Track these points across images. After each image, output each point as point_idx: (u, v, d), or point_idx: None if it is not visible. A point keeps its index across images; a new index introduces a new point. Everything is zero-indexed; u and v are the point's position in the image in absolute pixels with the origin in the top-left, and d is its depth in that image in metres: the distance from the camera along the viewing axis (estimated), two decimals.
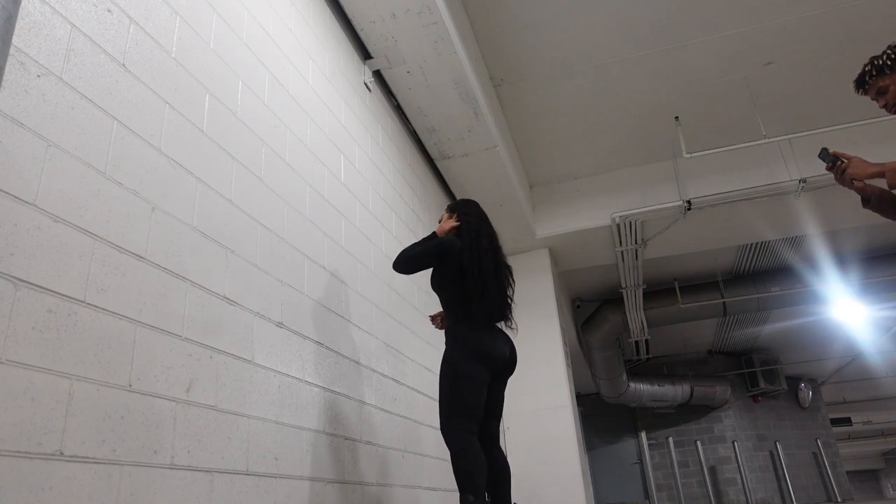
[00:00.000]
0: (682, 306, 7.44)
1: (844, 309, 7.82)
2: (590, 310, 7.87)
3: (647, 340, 8.33)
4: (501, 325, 2.68)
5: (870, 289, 7.21)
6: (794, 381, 11.14)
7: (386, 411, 2.98)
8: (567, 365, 5.69)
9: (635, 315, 7.31)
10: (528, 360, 5.57)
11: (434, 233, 2.78)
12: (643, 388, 9.37)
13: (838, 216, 5.83)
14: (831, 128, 4.85)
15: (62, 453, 1.29)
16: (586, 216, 5.73)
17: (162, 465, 1.54)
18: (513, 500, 2.56)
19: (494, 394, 2.62)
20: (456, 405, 2.44)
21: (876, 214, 2.23)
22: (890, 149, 5.12)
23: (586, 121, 5.13)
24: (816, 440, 11.03)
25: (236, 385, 1.89)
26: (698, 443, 9.93)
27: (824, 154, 2.14)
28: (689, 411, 10.41)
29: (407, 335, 3.47)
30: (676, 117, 5.06)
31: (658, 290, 7.55)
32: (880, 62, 2.07)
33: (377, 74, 3.72)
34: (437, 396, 3.72)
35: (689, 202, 5.33)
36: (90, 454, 1.35)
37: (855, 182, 2.05)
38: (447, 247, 2.61)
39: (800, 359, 10.58)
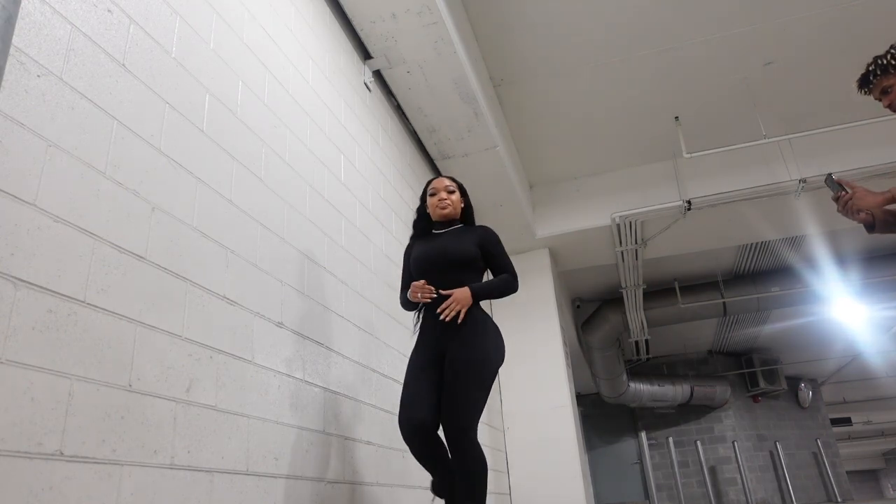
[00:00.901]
0: (682, 306, 7.44)
1: (844, 309, 7.82)
2: (590, 310, 7.87)
3: (647, 340, 8.33)
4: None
5: (870, 289, 7.21)
6: (794, 381, 11.14)
7: (386, 411, 2.98)
8: (567, 365, 5.69)
9: (635, 315, 7.31)
10: (528, 360, 5.58)
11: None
12: (643, 388, 9.37)
13: (838, 216, 5.80)
14: (831, 128, 4.85)
15: (62, 453, 1.29)
16: (586, 216, 5.73)
17: (162, 465, 1.54)
18: None
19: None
20: (482, 407, 2.33)
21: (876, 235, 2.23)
22: (890, 149, 5.12)
23: (586, 121, 5.13)
24: (816, 440, 11.03)
25: (236, 385, 1.89)
26: (698, 443, 9.93)
27: (830, 181, 2.15)
28: (689, 411, 10.41)
29: (407, 335, 3.46)
30: (676, 117, 5.06)
31: (658, 290, 7.55)
32: (884, 62, 2.07)
33: (377, 74, 3.72)
34: None
35: (689, 202, 5.33)
36: (90, 454, 1.35)
37: (861, 213, 2.05)
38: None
39: (800, 359, 10.58)
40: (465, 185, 2.63)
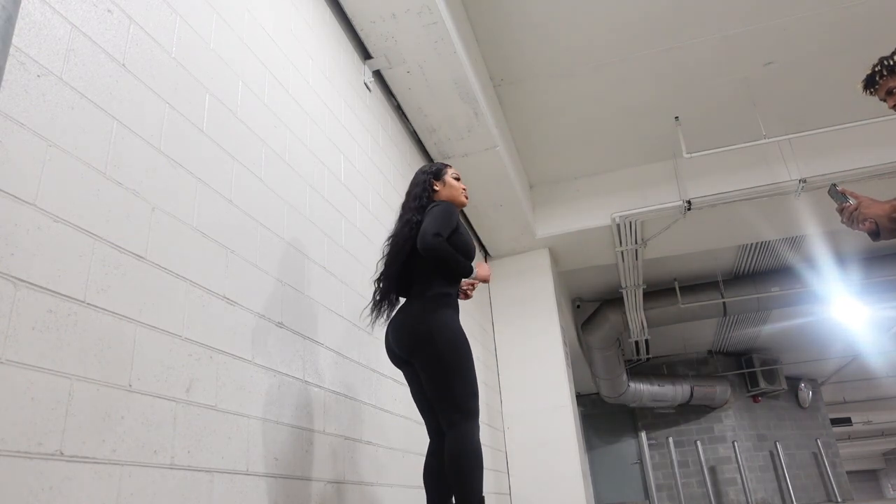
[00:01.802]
0: (682, 306, 7.44)
1: (844, 309, 7.82)
2: (590, 310, 7.87)
3: (647, 340, 8.34)
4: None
5: (870, 289, 7.21)
6: (794, 381, 11.14)
7: (386, 411, 2.98)
8: (567, 365, 5.69)
9: (635, 315, 7.31)
10: (528, 360, 5.58)
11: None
12: (643, 388, 9.37)
13: (839, 216, 5.83)
14: (831, 128, 4.85)
15: (62, 453, 1.29)
16: (586, 216, 5.73)
17: (162, 465, 1.54)
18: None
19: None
20: (465, 387, 2.11)
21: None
22: (890, 149, 5.13)
23: (586, 121, 5.13)
24: (816, 440, 11.03)
25: (236, 385, 1.89)
26: (698, 443, 9.93)
27: (833, 191, 2.15)
28: (689, 411, 10.41)
29: None
30: (676, 117, 5.06)
31: (658, 290, 7.55)
32: (891, 62, 2.07)
33: (377, 74, 3.72)
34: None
35: (689, 202, 5.33)
36: (90, 454, 1.35)
37: (867, 223, 2.04)
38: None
39: (800, 359, 10.59)
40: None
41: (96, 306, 1.44)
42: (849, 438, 16.90)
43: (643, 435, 10.44)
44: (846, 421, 14.45)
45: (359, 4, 3.29)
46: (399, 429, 3.10)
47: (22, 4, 1.38)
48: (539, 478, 5.14)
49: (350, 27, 3.44)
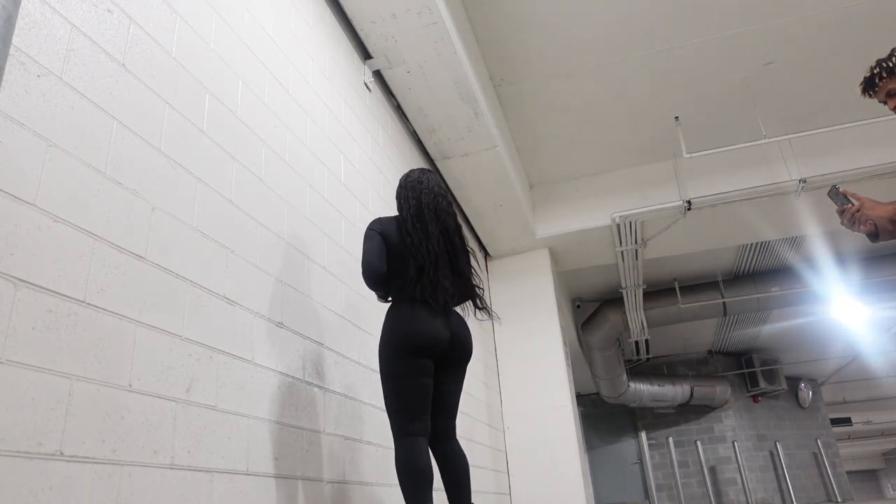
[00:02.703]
0: (682, 306, 7.44)
1: (844, 309, 7.83)
2: (590, 310, 7.87)
3: (647, 340, 8.33)
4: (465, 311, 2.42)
5: (870, 289, 7.21)
6: (794, 381, 11.14)
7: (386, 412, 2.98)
8: (567, 365, 5.69)
9: (635, 315, 7.31)
10: (528, 360, 5.58)
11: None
12: (643, 388, 9.37)
13: (838, 217, 5.83)
14: (831, 128, 4.86)
15: (62, 453, 1.29)
16: (586, 216, 5.73)
17: (162, 465, 1.54)
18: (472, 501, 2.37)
19: (440, 386, 2.27)
20: (394, 402, 2.20)
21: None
22: (890, 149, 5.13)
23: (586, 121, 5.13)
24: (816, 440, 11.03)
25: (236, 385, 1.89)
26: (698, 443, 9.93)
27: (833, 193, 2.14)
28: (689, 411, 10.41)
29: None
30: (676, 117, 5.06)
31: (658, 290, 7.55)
32: (890, 64, 2.06)
33: (377, 74, 3.72)
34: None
35: (689, 202, 5.33)
36: (90, 454, 1.35)
37: (867, 224, 2.04)
38: (368, 237, 2.32)
39: (800, 359, 10.59)
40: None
41: (96, 306, 1.44)
42: (849, 438, 16.90)
43: (643, 435, 10.44)
44: (846, 421, 14.45)
45: (359, 4, 3.29)
46: None
47: (22, 4, 1.38)
48: (539, 478, 5.14)
49: (350, 27, 3.44)
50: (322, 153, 2.81)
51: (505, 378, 5.57)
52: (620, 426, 10.91)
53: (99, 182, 1.52)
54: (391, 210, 3.57)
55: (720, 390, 9.92)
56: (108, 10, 1.67)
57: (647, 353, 9.22)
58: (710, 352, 10.68)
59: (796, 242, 6.68)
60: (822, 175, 5.15)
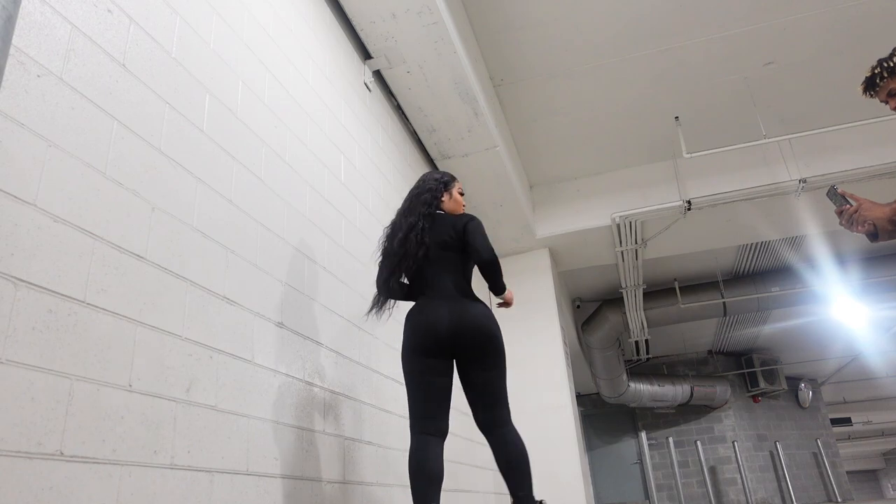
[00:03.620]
0: (682, 306, 7.44)
1: (844, 309, 7.83)
2: (590, 310, 7.87)
3: (647, 340, 8.34)
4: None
5: (870, 289, 7.21)
6: (794, 381, 11.14)
7: (386, 411, 2.98)
8: (567, 365, 5.69)
9: (635, 315, 7.32)
10: (528, 360, 5.58)
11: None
12: (643, 388, 9.37)
13: (837, 217, 5.83)
14: (831, 128, 4.85)
15: (62, 453, 1.29)
16: (586, 216, 5.73)
17: (162, 465, 1.54)
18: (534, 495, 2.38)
19: (464, 379, 2.31)
20: (408, 400, 2.29)
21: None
22: (890, 149, 5.13)
23: (586, 121, 5.13)
24: (816, 440, 11.03)
25: (236, 385, 1.89)
26: (698, 443, 9.93)
27: (832, 193, 2.14)
28: (689, 411, 10.41)
29: None
30: (676, 117, 5.06)
31: (658, 290, 7.55)
32: (891, 64, 2.05)
33: (377, 74, 3.72)
34: None
35: (689, 202, 5.33)
36: (90, 454, 1.35)
37: (866, 225, 2.04)
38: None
39: (800, 359, 10.59)
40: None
41: (96, 306, 1.44)
42: (849, 438, 16.91)
43: (643, 435, 10.44)
44: (846, 421, 14.45)
45: (359, 4, 3.29)
46: (399, 429, 3.10)
47: (22, 4, 1.38)
48: (539, 478, 5.13)
49: (350, 27, 3.44)
50: (322, 153, 2.81)
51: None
52: (620, 426, 10.92)
53: (99, 182, 1.52)
54: (391, 210, 3.58)
55: (720, 390, 9.92)
56: (108, 10, 1.67)
57: (647, 353, 9.22)
58: (710, 352, 10.68)
59: (796, 242, 6.68)
60: (822, 175, 5.15)
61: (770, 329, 9.32)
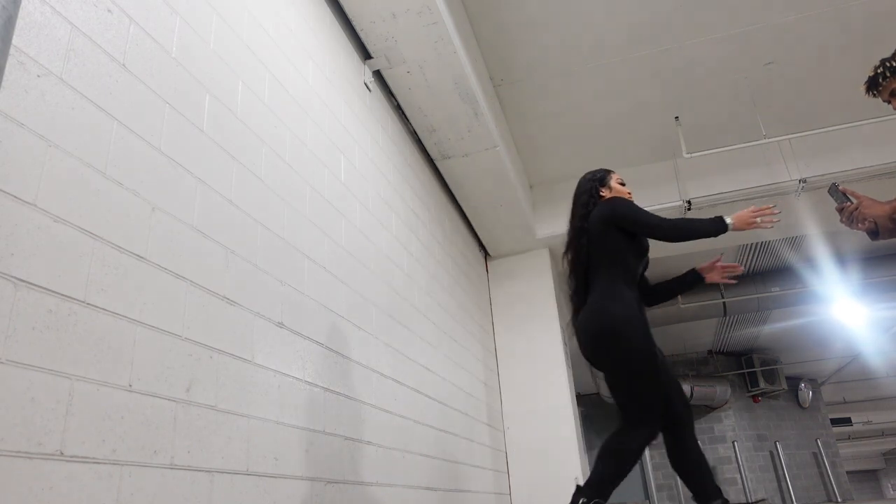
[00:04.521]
0: (682, 306, 7.44)
1: (844, 309, 7.83)
2: None
3: None
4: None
5: (870, 289, 7.21)
6: (794, 381, 11.14)
7: (386, 411, 2.98)
8: (567, 365, 5.69)
9: None
10: (528, 360, 5.58)
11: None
12: None
13: (838, 216, 5.83)
14: (831, 128, 4.86)
15: (62, 453, 1.29)
16: None
17: (162, 465, 1.54)
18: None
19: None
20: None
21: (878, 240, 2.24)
22: (890, 149, 5.12)
23: (586, 121, 5.13)
24: (816, 440, 11.03)
25: (236, 385, 1.89)
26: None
27: (833, 190, 2.15)
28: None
29: (407, 335, 3.47)
30: (676, 117, 5.06)
31: None
32: (894, 64, 2.06)
33: (377, 74, 3.72)
34: (438, 397, 3.73)
35: (689, 202, 5.33)
36: (90, 454, 1.35)
37: (866, 222, 2.05)
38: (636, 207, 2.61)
39: (800, 359, 10.59)
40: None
41: (96, 306, 1.44)
42: (849, 438, 16.90)
43: None
44: (846, 421, 14.46)
45: (359, 4, 3.29)
46: (399, 429, 3.10)
47: (22, 4, 1.38)
48: (539, 478, 5.14)
49: (350, 27, 3.44)
50: (322, 153, 2.81)
51: (505, 378, 5.57)
52: None
53: (99, 182, 1.52)
54: (391, 210, 3.58)
55: (720, 390, 9.92)
56: (108, 10, 1.67)
57: None
58: (710, 352, 10.67)
59: (796, 242, 6.68)
60: (822, 175, 5.15)
61: (770, 329, 9.32)
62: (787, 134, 5.02)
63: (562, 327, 5.77)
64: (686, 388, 9.74)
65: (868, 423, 15.35)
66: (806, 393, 11.28)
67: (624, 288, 2.40)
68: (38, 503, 1.22)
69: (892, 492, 23.68)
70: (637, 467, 10.58)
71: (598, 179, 2.62)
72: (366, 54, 3.60)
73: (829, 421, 11.98)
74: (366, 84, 3.55)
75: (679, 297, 7.43)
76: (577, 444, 5.23)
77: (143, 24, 1.79)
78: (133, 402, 1.49)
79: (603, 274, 2.40)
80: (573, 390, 5.79)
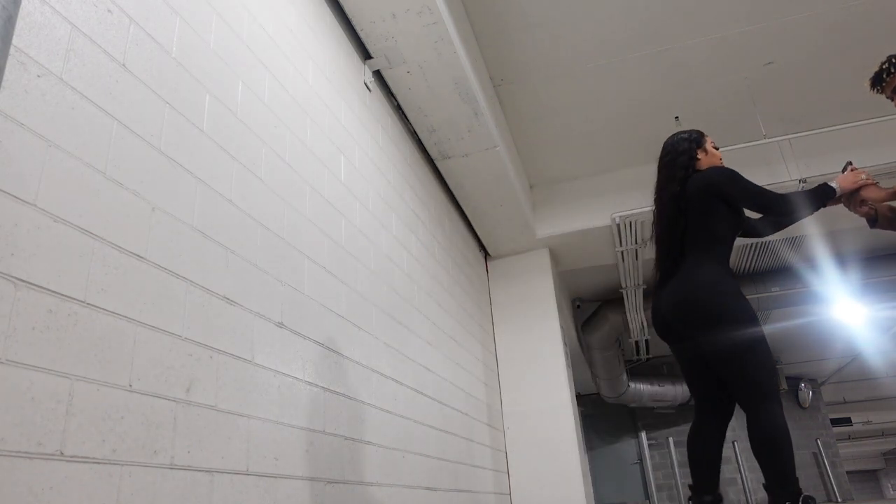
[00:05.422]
0: None
1: (844, 309, 7.82)
2: (590, 310, 7.87)
3: (647, 340, 8.33)
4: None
5: (870, 289, 7.21)
6: (794, 381, 11.14)
7: (386, 411, 2.98)
8: (567, 365, 5.69)
9: (635, 315, 7.31)
10: (528, 360, 5.58)
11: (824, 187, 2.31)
12: (643, 388, 9.37)
13: (838, 216, 5.83)
14: (831, 128, 4.86)
15: (62, 453, 1.29)
16: (586, 216, 5.73)
17: (162, 465, 1.54)
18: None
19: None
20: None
21: (878, 230, 2.24)
22: (891, 149, 5.13)
23: (586, 121, 5.13)
24: (816, 440, 11.02)
25: (236, 385, 1.89)
26: None
27: (845, 171, 2.18)
28: (690, 411, 10.39)
29: (407, 335, 3.47)
30: (676, 117, 5.06)
31: None
32: None
33: (377, 74, 3.72)
34: (438, 397, 3.73)
35: None
36: (90, 454, 1.35)
37: (864, 207, 2.06)
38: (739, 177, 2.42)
39: (800, 359, 10.58)
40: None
41: (96, 306, 1.44)
42: (849, 438, 16.91)
43: (643, 435, 10.44)
44: (846, 421, 14.46)
45: (359, 4, 3.29)
46: (399, 429, 3.10)
47: (22, 4, 1.38)
48: (539, 478, 5.14)
49: (350, 27, 3.44)
50: (322, 153, 2.81)
51: (505, 378, 5.57)
52: (620, 426, 10.91)
53: (99, 182, 1.52)
54: (391, 210, 3.58)
55: None
56: (109, 10, 1.67)
57: (647, 353, 9.22)
58: None
59: (796, 242, 6.68)
60: (822, 175, 5.15)
61: (770, 329, 9.30)
62: (787, 134, 5.02)
63: (562, 327, 5.77)
64: (686, 388, 9.75)
65: (868, 423, 15.35)
66: (806, 393, 11.28)
67: (726, 262, 2.33)
68: (38, 503, 1.22)
69: (892, 492, 23.68)
70: (637, 467, 10.58)
71: (694, 140, 2.50)
72: (366, 54, 3.60)
73: (829, 421, 11.97)
74: (366, 84, 3.55)
75: None
76: (577, 444, 5.23)
77: (143, 24, 1.79)
78: (133, 402, 1.49)
79: (702, 245, 2.29)
80: (573, 390, 5.79)
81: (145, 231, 1.65)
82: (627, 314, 7.32)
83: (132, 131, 1.67)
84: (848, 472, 12.73)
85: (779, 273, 7.34)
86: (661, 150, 2.59)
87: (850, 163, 2.22)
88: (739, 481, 9.69)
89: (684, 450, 10.14)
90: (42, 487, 1.23)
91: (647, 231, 5.82)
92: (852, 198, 2.12)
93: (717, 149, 2.57)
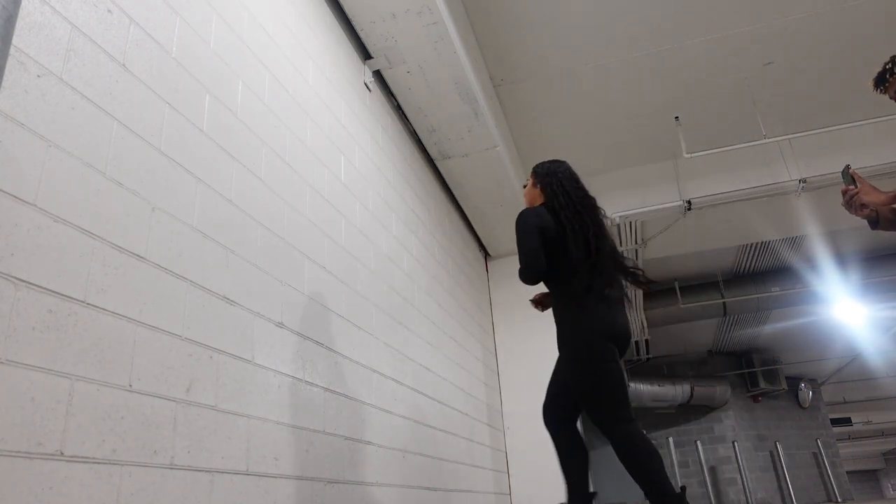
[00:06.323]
0: (682, 306, 7.44)
1: (844, 309, 7.83)
2: None
3: (647, 340, 8.33)
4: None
5: (870, 289, 7.21)
6: (794, 381, 11.14)
7: (386, 411, 2.98)
8: None
9: (635, 315, 7.31)
10: (528, 360, 5.58)
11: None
12: (643, 388, 9.37)
13: (838, 216, 5.83)
14: (831, 128, 4.86)
15: (62, 453, 1.29)
16: None
17: (162, 465, 1.54)
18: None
19: None
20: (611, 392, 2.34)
21: (879, 231, 2.24)
22: (891, 149, 5.13)
23: (586, 121, 5.13)
24: (816, 440, 11.03)
25: (236, 385, 1.89)
26: (698, 443, 9.93)
27: (845, 173, 2.18)
28: (689, 411, 10.41)
29: (407, 335, 3.47)
30: (676, 117, 5.06)
31: (658, 290, 7.55)
32: None
33: (377, 74, 3.72)
34: (438, 397, 3.73)
35: (689, 202, 5.34)
36: (90, 454, 1.35)
37: (865, 209, 2.06)
38: (526, 231, 2.46)
39: (800, 359, 10.59)
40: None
41: (96, 306, 1.44)
42: (849, 438, 16.91)
43: None
44: (846, 421, 14.46)
45: (359, 4, 3.29)
46: (399, 429, 3.10)
47: (22, 4, 1.38)
48: (539, 478, 5.14)
49: (350, 27, 3.44)
50: (322, 153, 2.81)
51: (505, 378, 5.57)
52: None
53: (99, 182, 1.52)
54: (391, 210, 3.58)
55: (720, 390, 9.92)
56: (109, 10, 1.67)
57: (647, 353, 9.22)
58: (710, 352, 10.67)
59: (796, 242, 6.68)
60: (822, 175, 5.15)
61: (770, 329, 9.32)
62: (787, 134, 5.02)
63: None
64: (686, 388, 9.75)
65: (868, 423, 15.35)
66: (806, 393, 11.28)
67: None
68: (38, 503, 1.21)
69: (892, 492, 23.68)
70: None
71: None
72: (366, 54, 3.60)
73: (829, 421, 11.98)
74: (366, 84, 3.55)
75: (679, 298, 7.44)
76: None
77: (143, 24, 1.79)
78: (133, 402, 1.49)
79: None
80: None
81: (145, 231, 1.65)
82: (627, 314, 7.32)
83: (132, 131, 1.67)
84: (848, 472, 12.72)
85: (779, 273, 7.34)
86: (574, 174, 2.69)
87: (848, 166, 2.22)
88: (739, 481, 9.69)
89: (684, 450, 10.19)
90: (42, 487, 1.23)
91: (648, 231, 5.83)
92: (852, 201, 2.12)
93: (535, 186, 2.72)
